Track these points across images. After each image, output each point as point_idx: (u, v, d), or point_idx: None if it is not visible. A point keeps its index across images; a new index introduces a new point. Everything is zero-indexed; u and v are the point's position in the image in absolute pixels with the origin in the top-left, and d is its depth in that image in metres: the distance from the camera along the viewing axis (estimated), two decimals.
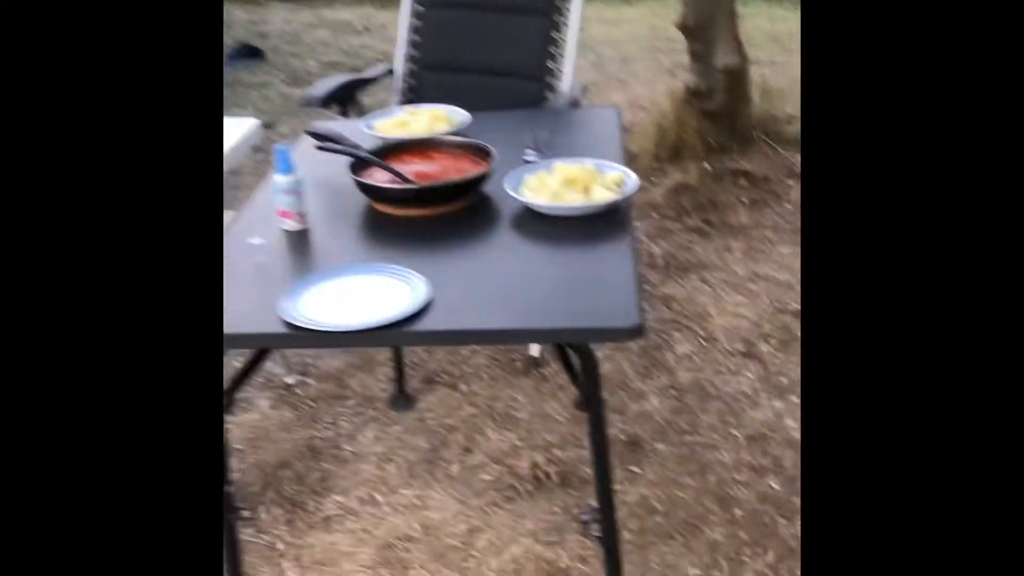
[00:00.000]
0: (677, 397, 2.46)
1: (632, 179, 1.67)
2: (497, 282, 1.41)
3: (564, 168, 1.68)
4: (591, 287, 1.35)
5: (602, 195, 1.61)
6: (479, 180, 1.69)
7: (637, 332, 1.25)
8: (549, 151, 1.88)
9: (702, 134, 3.89)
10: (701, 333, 2.73)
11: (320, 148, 1.80)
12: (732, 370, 2.56)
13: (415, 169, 1.76)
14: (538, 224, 1.60)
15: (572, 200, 1.61)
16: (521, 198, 1.62)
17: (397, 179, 1.71)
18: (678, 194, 3.63)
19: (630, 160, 3.98)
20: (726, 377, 2.53)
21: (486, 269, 1.47)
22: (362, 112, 2.79)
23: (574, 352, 1.40)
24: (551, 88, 2.67)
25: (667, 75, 5.01)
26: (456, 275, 1.45)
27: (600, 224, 1.57)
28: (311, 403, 2.53)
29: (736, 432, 2.30)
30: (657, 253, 3.22)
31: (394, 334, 1.28)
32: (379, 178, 1.73)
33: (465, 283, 1.41)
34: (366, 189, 1.68)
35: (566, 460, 2.22)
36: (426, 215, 1.66)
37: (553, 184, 1.64)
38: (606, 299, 1.31)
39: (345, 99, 2.68)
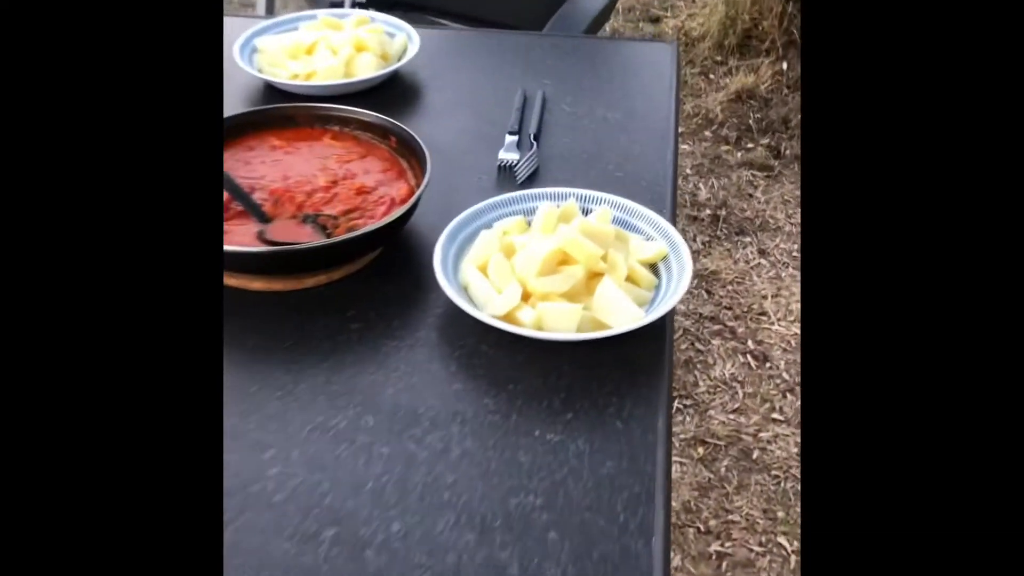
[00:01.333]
0: (706, 459, 1.71)
1: (682, 257, 0.85)
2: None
3: (553, 214, 0.87)
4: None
5: (619, 309, 0.80)
6: (381, 236, 0.87)
7: None
8: (540, 141, 1.06)
9: (785, 22, 2.94)
10: (750, 346, 1.95)
11: None
12: (787, 419, 1.80)
13: (279, 176, 0.94)
14: (487, 346, 0.80)
15: (556, 313, 0.80)
16: (461, 302, 0.81)
17: (238, 207, 0.90)
18: (742, 104, 2.75)
19: (688, 45, 3.06)
20: (777, 431, 1.77)
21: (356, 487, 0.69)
22: None
23: None
24: None
25: None
26: (283, 495, 0.67)
27: (609, 364, 0.78)
28: None
29: (783, 541, 1.57)
30: (703, 198, 2.38)
31: None
32: None
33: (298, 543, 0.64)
34: None
35: None
36: (277, 290, 0.87)
37: (530, 260, 0.83)
38: None
39: None
